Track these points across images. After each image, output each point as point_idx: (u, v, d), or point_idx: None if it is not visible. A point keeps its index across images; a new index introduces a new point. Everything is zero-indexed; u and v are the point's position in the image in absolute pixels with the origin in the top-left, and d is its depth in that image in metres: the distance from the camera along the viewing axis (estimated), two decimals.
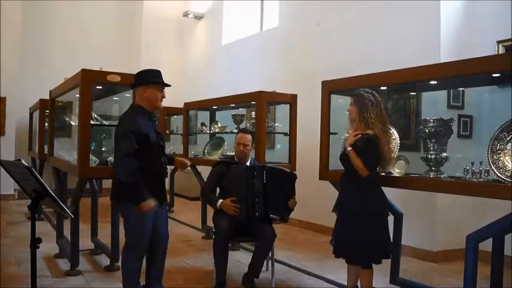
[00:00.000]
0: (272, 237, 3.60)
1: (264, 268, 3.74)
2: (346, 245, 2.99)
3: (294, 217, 5.40)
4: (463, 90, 4.15)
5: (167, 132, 8.32)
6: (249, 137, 3.85)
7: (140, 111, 2.98)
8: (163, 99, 3.08)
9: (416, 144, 3.90)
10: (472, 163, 2.89)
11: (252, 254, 3.72)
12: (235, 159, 3.88)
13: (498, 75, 2.82)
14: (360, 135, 2.91)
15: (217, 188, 3.88)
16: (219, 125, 5.92)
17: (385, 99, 3.12)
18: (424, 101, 4.44)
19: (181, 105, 6.37)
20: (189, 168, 6.01)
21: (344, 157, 3.03)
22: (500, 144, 2.74)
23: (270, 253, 3.72)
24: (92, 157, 3.88)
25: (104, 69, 3.90)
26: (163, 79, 3.07)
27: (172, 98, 4.38)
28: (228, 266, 3.57)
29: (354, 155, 2.89)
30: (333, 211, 3.23)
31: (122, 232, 4.21)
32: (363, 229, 2.90)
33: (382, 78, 3.36)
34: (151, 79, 3.00)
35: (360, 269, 3.03)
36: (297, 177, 3.80)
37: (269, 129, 5.16)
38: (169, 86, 3.08)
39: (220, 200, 3.63)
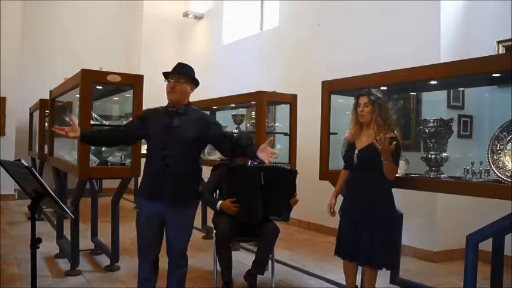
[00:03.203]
0: (276, 232, 3.59)
1: None
2: (373, 247, 2.85)
3: (294, 217, 5.39)
4: (463, 90, 4.15)
5: None
6: None
7: (166, 105, 2.83)
8: (173, 90, 2.73)
9: (416, 144, 3.89)
10: (472, 163, 2.89)
11: (251, 253, 3.72)
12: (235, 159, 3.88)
13: (498, 75, 2.81)
14: (395, 142, 2.73)
15: (217, 190, 3.87)
16: None
17: (385, 99, 3.11)
18: (424, 101, 4.43)
19: None
20: None
21: (366, 157, 2.90)
22: (500, 144, 2.74)
23: (270, 253, 3.72)
24: (92, 157, 3.88)
25: (104, 69, 3.90)
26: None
27: None
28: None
29: (390, 164, 2.77)
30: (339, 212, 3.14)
31: (122, 232, 4.24)
32: (390, 229, 2.91)
33: (382, 78, 3.35)
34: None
35: (367, 270, 3.00)
36: (297, 173, 3.78)
37: (269, 129, 5.16)
38: (170, 72, 2.78)
39: (220, 201, 3.63)
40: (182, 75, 2.78)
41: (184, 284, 2.85)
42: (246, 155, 2.81)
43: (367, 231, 2.87)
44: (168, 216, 2.73)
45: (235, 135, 4.69)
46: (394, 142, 2.71)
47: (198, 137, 2.74)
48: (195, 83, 2.85)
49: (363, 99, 2.96)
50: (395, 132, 2.96)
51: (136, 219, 2.82)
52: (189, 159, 2.76)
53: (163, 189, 2.69)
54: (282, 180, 3.68)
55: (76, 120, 2.85)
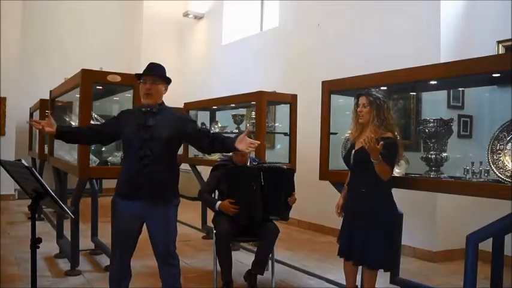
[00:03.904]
0: (276, 232, 3.60)
1: None
2: (368, 247, 2.84)
3: (294, 217, 5.40)
4: (463, 90, 4.15)
5: None
6: None
7: (140, 105, 2.81)
8: (150, 92, 2.68)
9: (416, 144, 3.90)
10: (472, 163, 2.89)
11: (251, 253, 3.72)
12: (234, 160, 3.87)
13: (498, 75, 2.81)
14: (382, 142, 2.71)
15: (216, 191, 3.87)
16: (219, 125, 5.92)
17: (385, 99, 3.11)
18: (424, 101, 4.44)
19: (181, 105, 6.38)
20: (189, 168, 6.05)
21: (361, 157, 2.88)
22: (500, 144, 2.74)
23: (270, 253, 3.72)
24: (92, 157, 3.88)
25: (104, 69, 3.90)
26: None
27: (172, 98, 4.37)
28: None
29: (381, 165, 2.75)
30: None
31: None
32: (389, 230, 2.90)
33: (382, 78, 3.35)
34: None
35: (366, 270, 3.00)
36: (295, 172, 3.79)
37: (269, 129, 5.16)
38: (145, 74, 2.72)
39: (219, 202, 3.63)
40: (157, 77, 2.75)
41: (180, 283, 2.82)
42: (224, 148, 2.74)
43: (364, 231, 2.88)
44: (148, 216, 2.70)
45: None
46: (381, 142, 2.68)
47: (173, 135, 2.72)
48: (168, 82, 2.82)
49: (362, 99, 2.96)
50: (395, 132, 2.95)
51: (113, 219, 2.76)
52: (166, 158, 2.73)
53: (142, 189, 2.67)
54: (281, 180, 3.67)
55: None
